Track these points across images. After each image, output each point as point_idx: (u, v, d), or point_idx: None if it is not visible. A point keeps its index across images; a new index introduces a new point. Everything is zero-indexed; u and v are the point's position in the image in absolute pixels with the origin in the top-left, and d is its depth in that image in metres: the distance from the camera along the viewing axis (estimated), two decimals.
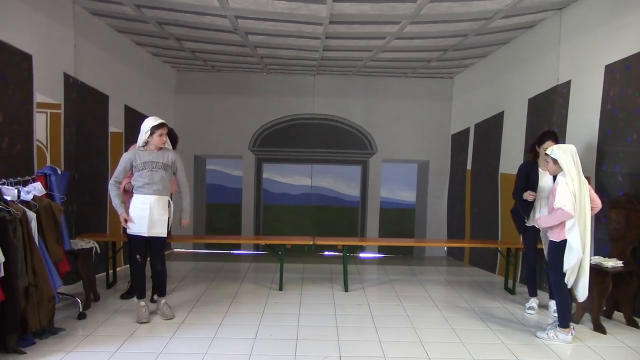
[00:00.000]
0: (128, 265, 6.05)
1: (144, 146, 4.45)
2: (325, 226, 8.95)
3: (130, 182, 4.59)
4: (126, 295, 5.26)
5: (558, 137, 4.85)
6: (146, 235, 4.44)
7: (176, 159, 4.60)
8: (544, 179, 4.84)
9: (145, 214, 4.40)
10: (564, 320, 4.19)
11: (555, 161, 4.14)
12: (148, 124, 4.42)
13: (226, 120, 8.91)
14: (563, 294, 4.20)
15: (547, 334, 4.23)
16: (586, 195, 4.09)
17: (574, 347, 4.09)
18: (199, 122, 8.65)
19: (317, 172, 9.01)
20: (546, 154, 4.24)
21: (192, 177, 8.94)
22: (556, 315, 4.49)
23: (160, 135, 4.42)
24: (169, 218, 4.58)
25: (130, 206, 4.47)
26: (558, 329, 4.20)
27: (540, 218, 4.33)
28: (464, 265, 7.96)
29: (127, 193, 4.76)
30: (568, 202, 3.98)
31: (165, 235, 4.57)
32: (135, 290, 5.20)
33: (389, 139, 9.01)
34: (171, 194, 4.68)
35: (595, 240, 5.00)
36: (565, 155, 4.10)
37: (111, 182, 4.47)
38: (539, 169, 4.89)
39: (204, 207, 9.18)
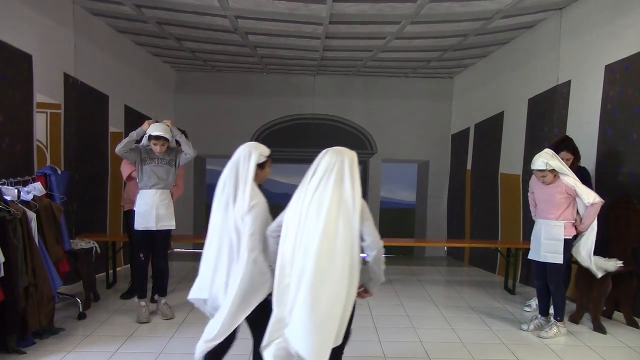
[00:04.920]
0: (128, 265, 6.05)
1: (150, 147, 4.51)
2: None
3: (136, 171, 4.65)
4: (126, 295, 5.26)
5: (567, 143, 4.64)
6: (155, 228, 4.46)
7: (178, 151, 4.62)
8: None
9: (152, 208, 4.44)
10: (562, 314, 4.34)
11: (552, 171, 4.17)
12: (149, 129, 4.45)
13: (226, 120, 8.91)
14: (561, 289, 4.34)
15: (547, 332, 4.26)
16: None
17: (574, 347, 4.09)
18: (199, 122, 8.65)
19: None
20: (540, 170, 4.20)
21: (192, 177, 8.95)
22: (529, 310, 5.03)
23: (155, 144, 4.44)
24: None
25: (136, 203, 4.50)
26: (556, 322, 4.30)
27: (582, 226, 4.24)
28: (464, 265, 7.96)
29: (133, 180, 4.82)
30: (592, 192, 4.16)
31: (174, 227, 4.61)
32: (136, 290, 5.21)
33: (389, 139, 9.00)
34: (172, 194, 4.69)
35: (595, 240, 5.00)
36: (555, 160, 4.18)
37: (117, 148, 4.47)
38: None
39: (203, 207, 9.17)
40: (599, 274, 4.29)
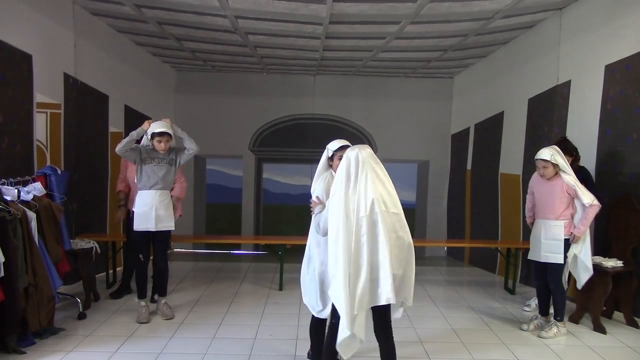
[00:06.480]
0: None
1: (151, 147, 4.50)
2: None
3: (126, 183, 4.81)
4: (115, 295, 5.26)
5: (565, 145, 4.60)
6: (154, 229, 4.45)
7: (178, 150, 4.61)
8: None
9: (152, 209, 4.43)
10: (562, 314, 4.34)
11: (554, 165, 4.17)
12: (151, 128, 4.44)
13: (226, 120, 8.91)
14: (562, 289, 4.33)
15: (547, 332, 4.26)
16: None
17: (574, 347, 4.09)
18: (199, 122, 8.64)
19: None
20: (543, 159, 4.20)
21: (192, 177, 8.95)
22: (528, 310, 5.04)
23: (159, 142, 4.42)
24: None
25: (136, 203, 4.49)
26: (556, 322, 4.30)
27: (578, 230, 4.21)
28: (464, 265, 7.96)
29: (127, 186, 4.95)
30: (592, 195, 4.15)
31: (174, 228, 4.60)
32: (125, 289, 5.24)
33: (389, 139, 9.00)
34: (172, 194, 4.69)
35: (595, 240, 5.01)
36: (560, 157, 4.18)
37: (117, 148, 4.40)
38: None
39: (204, 207, 9.17)
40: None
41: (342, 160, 2.86)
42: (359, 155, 2.82)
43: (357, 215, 2.74)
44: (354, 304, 2.77)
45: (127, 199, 5.27)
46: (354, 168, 2.80)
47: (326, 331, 3.13)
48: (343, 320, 2.74)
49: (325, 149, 3.39)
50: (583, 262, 4.24)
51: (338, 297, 2.73)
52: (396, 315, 3.09)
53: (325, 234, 2.94)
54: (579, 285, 4.34)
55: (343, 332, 2.76)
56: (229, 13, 5.51)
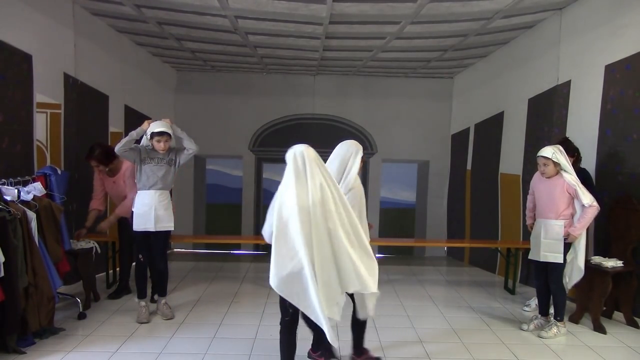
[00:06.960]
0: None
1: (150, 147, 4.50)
2: None
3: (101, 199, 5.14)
4: (114, 295, 5.26)
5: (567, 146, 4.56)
6: (153, 230, 4.45)
7: (177, 150, 4.60)
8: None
9: (151, 210, 4.42)
10: (562, 314, 4.34)
11: (555, 164, 4.17)
12: (150, 128, 4.44)
13: (226, 120, 8.91)
14: (562, 289, 4.33)
15: (547, 332, 4.26)
16: None
17: (574, 347, 4.09)
18: (199, 122, 8.64)
19: None
20: (545, 157, 4.21)
21: (192, 177, 8.95)
22: (528, 310, 5.04)
23: (158, 141, 4.42)
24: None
25: (135, 203, 4.49)
26: (556, 322, 4.30)
27: (575, 229, 4.19)
28: (464, 265, 7.96)
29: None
30: (592, 196, 4.17)
31: (173, 228, 4.60)
32: (124, 289, 5.28)
33: (389, 139, 9.00)
34: (171, 192, 4.69)
35: (595, 240, 5.01)
36: (562, 157, 4.19)
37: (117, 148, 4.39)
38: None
39: (204, 207, 9.17)
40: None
41: (289, 158, 2.88)
42: (302, 151, 2.87)
43: (312, 208, 2.79)
44: (332, 295, 2.86)
45: (97, 219, 5.33)
46: (300, 163, 2.84)
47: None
48: (318, 313, 2.79)
49: (332, 149, 3.58)
50: (577, 263, 4.26)
51: (307, 290, 2.77)
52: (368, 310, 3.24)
53: (270, 235, 2.96)
54: (569, 286, 4.35)
55: (325, 327, 2.83)
56: (229, 13, 5.51)
